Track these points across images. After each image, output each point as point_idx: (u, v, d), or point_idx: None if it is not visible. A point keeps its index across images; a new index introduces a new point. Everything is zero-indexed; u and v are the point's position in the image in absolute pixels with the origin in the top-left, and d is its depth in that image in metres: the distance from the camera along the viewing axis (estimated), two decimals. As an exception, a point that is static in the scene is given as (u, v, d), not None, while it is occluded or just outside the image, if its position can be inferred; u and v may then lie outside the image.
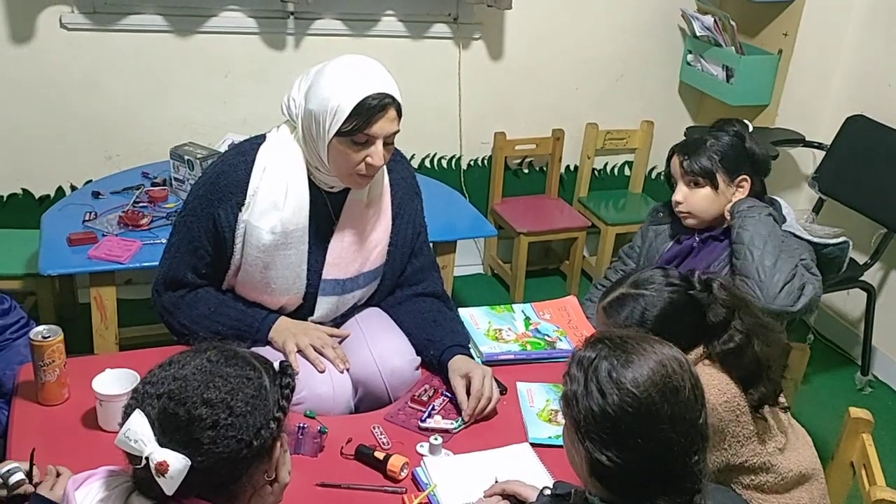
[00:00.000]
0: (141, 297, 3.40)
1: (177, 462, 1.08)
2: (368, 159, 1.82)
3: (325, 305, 2.01)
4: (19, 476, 1.51)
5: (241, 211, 1.88)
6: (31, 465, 1.53)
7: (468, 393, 1.84)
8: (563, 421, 1.24)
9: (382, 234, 2.03)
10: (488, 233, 3.02)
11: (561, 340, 2.16)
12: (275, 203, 1.88)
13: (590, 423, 1.13)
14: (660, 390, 1.11)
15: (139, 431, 1.10)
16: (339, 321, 2.07)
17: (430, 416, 1.81)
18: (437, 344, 2.00)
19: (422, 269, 2.13)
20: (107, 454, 1.52)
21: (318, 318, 2.02)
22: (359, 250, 1.99)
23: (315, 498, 1.61)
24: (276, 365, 1.22)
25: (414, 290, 2.13)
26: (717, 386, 1.62)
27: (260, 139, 1.95)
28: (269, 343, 1.95)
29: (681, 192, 2.29)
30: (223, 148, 2.94)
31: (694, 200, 2.27)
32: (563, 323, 2.24)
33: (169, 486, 1.08)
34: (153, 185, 2.91)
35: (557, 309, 2.31)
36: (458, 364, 1.93)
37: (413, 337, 2.04)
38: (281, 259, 1.92)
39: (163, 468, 1.07)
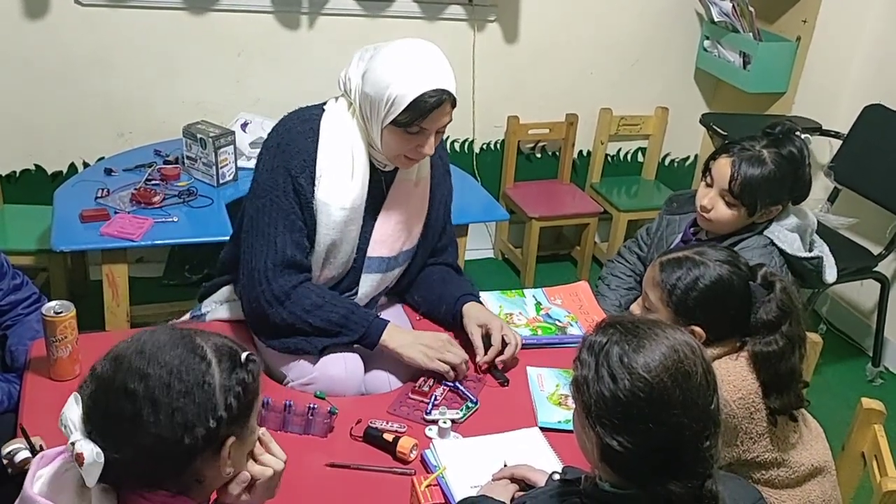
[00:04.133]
0: (153, 276, 3.42)
1: (90, 454, 1.02)
2: (420, 148, 1.82)
3: (368, 283, 2.00)
4: (24, 455, 1.52)
5: (314, 186, 1.85)
6: (28, 441, 1.52)
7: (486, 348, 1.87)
8: (573, 406, 1.24)
9: (422, 213, 2.03)
10: (500, 217, 3.01)
11: (572, 325, 2.15)
12: (344, 178, 1.86)
13: (601, 408, 1.12)
14: (671, 375, 1.10)
15: (69, 416, 1.06)
16: (369, 307, 2.06)
17: (434, 406, 1.80)
18: (448, 297, 2.01)
19: (444, 246, 2.14)
20: None
21: (360, 297, 2.00)
22: (403, 229, 1.99)
23: (325, 478, 1.62)
24: (242, 355, 1.14)
25: (430, 260, 2.14)
26: (733, 382, 1.61)
27: (318, 109, 1.92)
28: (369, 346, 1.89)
29: (710, 200, 2.11)
30: (236, 127, 2.94)
31: (721, 215, 2.11)
32: (574, 308, 2.23)
33: (88, 477, 1.02)
34: (165, 163, 2.91)
35: (569, 294, 2.30)
36: (473, 311, 1.94)
37: (423, 303, 2.07)
38: (346, 235, 1.90)
39: (79, 459, 1.02)
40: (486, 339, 1.94)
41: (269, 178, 1.87)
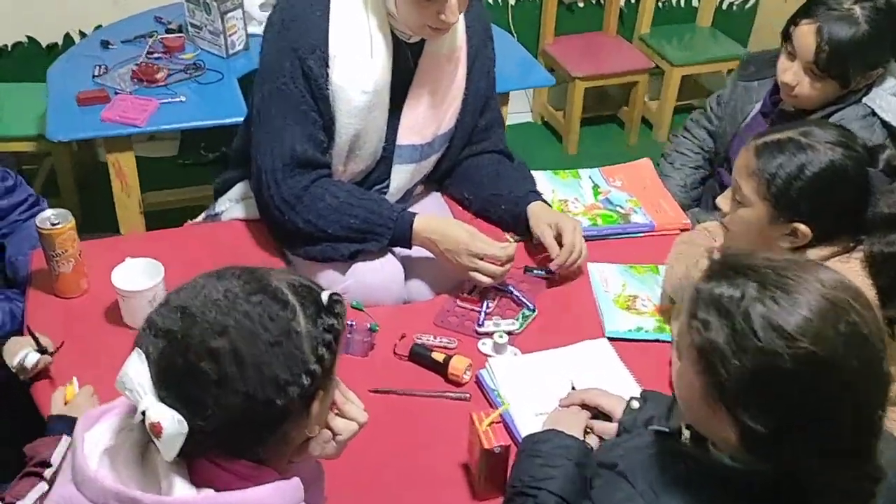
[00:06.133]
0: (166, 155, 3.18)
1: (171, 425, 0.86)
2: (440, 15, 1.52)
3: (401, 175, 1.75)
4: (34, 357, 1.40)
5: (328, 68, 1.58)
6: (35, 339, 1.41)
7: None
8: (676, 351, 0.99)
9: (457, 90, 1.75)
10: (543, 82, 2.66)
11: (636, 212, 1.89)
12: (362, 56, 1.59)
13: (742, 386, 0.88)
14: (844, 338, 0.85)
15: (135, 378, 0.88)
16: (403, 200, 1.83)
17: (486, 316, 1.59)
18: (507, 197, 1.78)
19: (487, 126, 1.86)
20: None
21: (393, 191, 1.76)
22: (437, 110, 1.72)
23: (367, 405, 1.42)
24: (324, 296, 0.97)
25: (472, 149, 1.87)
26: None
27: None
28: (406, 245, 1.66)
29: (794, 76, 1.80)
30: (244, -13, 2.59)
31: (809, 90, 1.79)
32: (637, 191, 1.97)
33: (166, 450, 0.87)
34: (168, 31, 2.60)
35: (630, 173, 2.03)
36: (541, 211, 1.73)
37: (476, 201, 1.84)
38: (371, 122, 1.65)
39: (156, 430, 0.86)
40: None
41: (273, 61, 1.60)
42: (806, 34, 1.75)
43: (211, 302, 0.90)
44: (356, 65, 1.60)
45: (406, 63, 1.68)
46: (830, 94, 1.80)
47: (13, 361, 1.40)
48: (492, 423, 1.25)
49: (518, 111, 3.57)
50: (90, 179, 2.91)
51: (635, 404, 1.31)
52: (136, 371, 0.88)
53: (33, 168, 2.90)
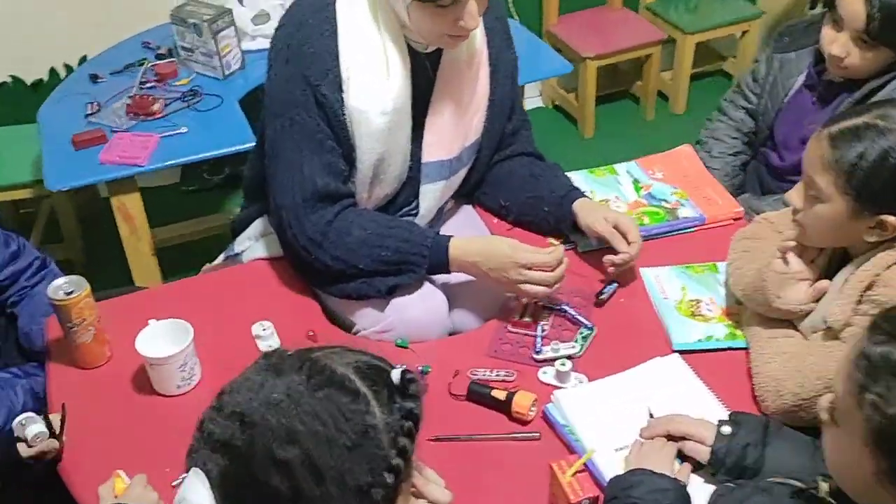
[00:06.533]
0: (168, 183, 3.05)
1: None
2: (461, 22, 1.39)
3: (430, 195, 1.62)
4: (37, 429, 1.27)
5: (342, 92, 1.45)
6: (63, 419, 1.30)
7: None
8: (827, 414, 0.86)
9: (482, 97, 1.62)
10: (559, 69, 2.51)
11: (683, 205, 1.76)
12: (378, 76, 1.47)
13: None
14: None
15: (196, 501, 0.77)
16: (432, 224, 1.70)
17: (542, 342, 1.47)
18: (548, 198, 1.66)
19: (515, 129, 1.74)
20: (165, 423, 1.33)
21: (423, 212, 1.64)
22: (461, 121, 1.59)
23: (431, 456, 1.29)
24: (395, 375, 0.85)
25: (501, 154, 1.75)
26: None
27: None
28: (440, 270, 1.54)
29: (842, 48, 1.67)
30: (231, 4, 2.45)
31: (859, 61, 1.66)
32: (679, 181, 1.84)
33: None
34: (158, 57, 2.47)
35: (670, 163, 1.89)
36: (589, 207, 1.62)
37: (513, 208, 1.72)
38: (393, 144, 1.52)
39: None
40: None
41: (284, 91, 1.47)
42: (853, 1, 1.61)
43: (273, 404, 0.79)
44: (372, 85, 1.47)
45: (424, 75, 1.55)
46: (883, 63, 1.67)
47: (17, 423, 1.29)
48: (576, 472, 1.14)
49: (528, 97, 3.42)
50: (93, 217, 2.79)
51: (727, 430, 1.19)
52: (198, 495, 0.77)
53: (31, 211, 2.78)
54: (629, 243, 1.54)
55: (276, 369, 0.82)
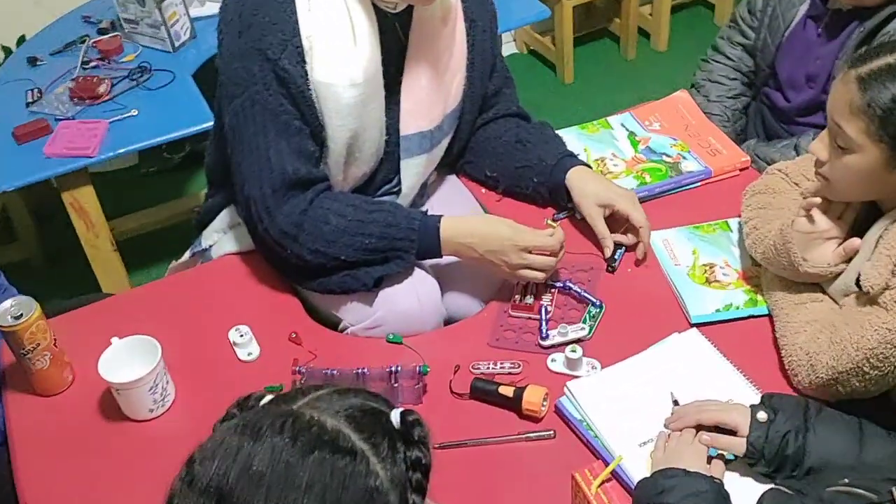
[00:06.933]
0: (126, 166, 2.86)
1: None
2: None
3: (411, 170, 1.48)
4: None
5: (305, 64, 1.29)
6: None
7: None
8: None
9: (460, 57, 1.46)
10: (536, 15, 2.31)
11: (685, 158, 1.63)
12: (344, 44, 1.30)
13: None
14: None
15: None
16: (415, 201, 1.56)
17: (548, 324, 1.33)
18: (537, 167, 1.52)
19: (497, 89, 1.59)
20: (137, 449, 1.25)
21: (405, 190, 1.49)
22: (439, 86, 1.44)
23: (437, 466, 1.18)
24: (395, 419, 0.72)
25: (484, 117, 1.60)
26: None
27: None
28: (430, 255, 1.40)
29: None
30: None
31: None
32: (679, 131, 1.70)
33: None
34: (100, 32, 2.27)
35: (667, 111, 1.75)
36: (584, 185, 1.46)
37: (502, 179, 1.57)
38: (367, 118, 1.37)
39: None
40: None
41: (239, 67, 1.30)
42: None
43: (255, 478, 0.65)
44: (338, 54, 1.30)
45: (395, 38, 1.38)
46: None
47: None
48: (603, 481, 1.02)
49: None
50: (49, 212, 2.60)
51: (762, 415, 1.08)
52: None
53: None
54: (637, 228, 1.42)
55: (254, 430, 0.68)
